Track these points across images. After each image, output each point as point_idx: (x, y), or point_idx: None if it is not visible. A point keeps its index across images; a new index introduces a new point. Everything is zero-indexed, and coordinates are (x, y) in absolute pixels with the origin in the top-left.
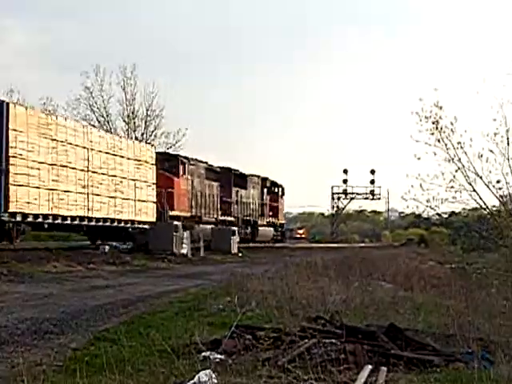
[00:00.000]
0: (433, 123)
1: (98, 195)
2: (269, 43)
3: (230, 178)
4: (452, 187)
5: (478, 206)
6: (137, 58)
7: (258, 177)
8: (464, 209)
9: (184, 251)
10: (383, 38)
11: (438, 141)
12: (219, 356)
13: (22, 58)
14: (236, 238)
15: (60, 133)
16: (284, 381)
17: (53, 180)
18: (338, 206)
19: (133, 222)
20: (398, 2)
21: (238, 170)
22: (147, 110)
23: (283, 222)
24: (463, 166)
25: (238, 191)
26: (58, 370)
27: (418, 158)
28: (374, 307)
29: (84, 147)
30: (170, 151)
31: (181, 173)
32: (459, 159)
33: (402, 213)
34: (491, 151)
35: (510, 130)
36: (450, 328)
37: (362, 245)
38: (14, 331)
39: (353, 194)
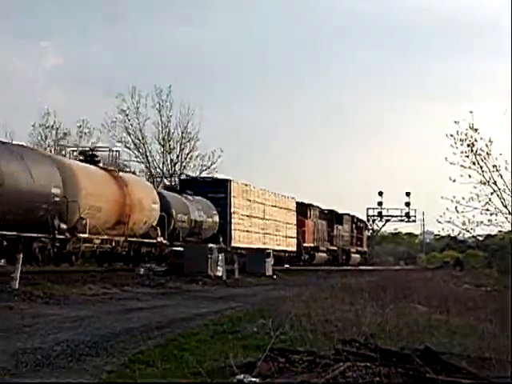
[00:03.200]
0: (468, 146)
1: (268, 234)
2: (297, 64)
3: (332, 217)
4: (487, 210)
5: None
6: (172, 81)
7: (349, 215)
8: (500, 231)
9: (219, 273)
10: (420, 59)
11: (473, 163)
12: (253, 379)
13: (55, 80)
14: (270, 261)
15: (251, 195)
16: None
17: (249, 225)
18: (372, 229)
19: (285, 251)
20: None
21: (336, 211)
22: (182, 133)
23: (366, 249)
24: (499, 189)
25: (337, 227)
26: None
27: (453, 181)
28: (409, 330)
29: (261, 203)
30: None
31: (308, 216)
32: (495, 182)
33: (438, 235)
34: None
35: None
36: (486, 351)
37: (397, 267)
38: (49, 353)
39: (388, 216)
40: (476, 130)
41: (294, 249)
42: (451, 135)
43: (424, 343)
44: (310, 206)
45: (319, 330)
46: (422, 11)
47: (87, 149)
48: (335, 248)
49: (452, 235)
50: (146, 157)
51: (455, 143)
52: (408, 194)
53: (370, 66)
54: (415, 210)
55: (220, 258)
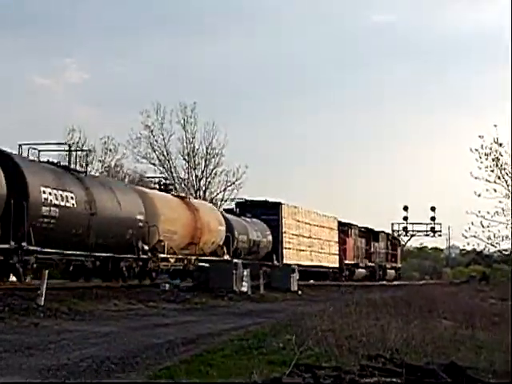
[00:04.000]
0: (493, 160)
1: (314, 251)
2: (327, 79)
3: (369, 235)
4: None
5: None
6: (197, 97)
7: (384, 232)
8: None
9: (244, 289)
10: (445, 72)
11: (499, 178)
12: None
13: (80, 96)
14: (296, 276)
15: (299, 216)
16: None
17: (297, 244)
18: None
19: (329, 267)
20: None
21: (373, 229)
22: (207, 149)
23: (400, 265)
24: None
25: (374, 244)
26: None
27: (479, 195)
28: (434, 345)
29: (308, 223)
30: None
31: (349, 234)
32: None
33: (463, 250)
34: None
35: None
36: None
37: (423, 282)
38: (75, 369)
39: (413, 231)
40: (501, 144)
41: (337, 265)
42: (476, 149)
43: (450, 358)
44: (350, 225)
45: (344, 346)
46: (444, 27)
47: (162, 179)
48: (373, 264)
49: (478, 250)
50: (171, 173)
51: (480, 157)
52: (433, 209)
53: (395, 80)
54: (440, 225)
55: (245, 273)
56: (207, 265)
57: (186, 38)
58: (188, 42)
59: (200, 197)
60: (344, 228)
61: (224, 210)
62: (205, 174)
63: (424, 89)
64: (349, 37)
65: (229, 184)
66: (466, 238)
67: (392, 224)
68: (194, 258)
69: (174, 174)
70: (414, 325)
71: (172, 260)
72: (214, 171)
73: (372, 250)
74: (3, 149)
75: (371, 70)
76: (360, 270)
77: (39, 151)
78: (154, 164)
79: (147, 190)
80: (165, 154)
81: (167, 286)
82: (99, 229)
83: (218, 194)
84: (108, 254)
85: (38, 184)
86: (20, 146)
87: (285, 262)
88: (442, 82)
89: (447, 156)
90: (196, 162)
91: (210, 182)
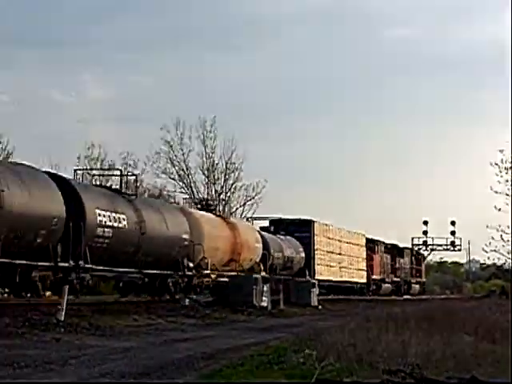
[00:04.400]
0: None
1: (343, 267)
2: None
3: (394, 251)
4: None
5: None
6: (217, 112)
7: (409, 248)
8: None
9: (264, 304)
10: (466, 85)
11: None
12: None
13: (99, 112)
14: (316, 291)
15: (330, 233)
16: None
17: (328, 260)
18: None
19: (357, 282)
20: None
21: (398, 245)
22: (227, 164)
23: (424, 280)
24: None
25: (399, 260)
26: None
27: (499, 210)
28: (455, 360)
29: (338, 240)
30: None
31: (376, 250)
32: None
33: (483, 264)
34: None
35: None
36: None
37: (443, 296)
38: None
39: (433, 245)
40: None
41: (365, 280)
42: (496, 164)
43: (471, 372)
44: (376, 241)
45: (365, 361)
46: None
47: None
48: (398, 279)
49: (498, 264)
50: (191, 187)
51: (500, 172)
52: (453, 223)
53: (414, 95)
54: (461, 239)
55: (265, 288)
56: (227, 279)
57: (209, 51)
58: (212, 58)
59: (220, 212)
60: (371, 244)
61: (260, 228)
62: (224, 188)
63: (451, 101)
64: (374, 54)
65: (248, 199)
66: (487, 252)
67: (412, 238)
68: (234, 274)
69: (194, 189)
70: (434, 339)
71: (213, 276)
72: (233, 186)
73: (397, 265)
74: (62, 175)
75: (397, 86)
76: (386, 284)
77: (93, 176)
78: (173, 179)
79: (192, 210)
80: (184, 168)
81: (187, 301)
82: (148, 248)
83: (237, 208)
84: (156, 271)
85: (94, 207)
86: (75, 171)
87: (317, 277)
88: (466, 93)
89: (468, 170)
90: (215, 177)
91: (229, 196)
